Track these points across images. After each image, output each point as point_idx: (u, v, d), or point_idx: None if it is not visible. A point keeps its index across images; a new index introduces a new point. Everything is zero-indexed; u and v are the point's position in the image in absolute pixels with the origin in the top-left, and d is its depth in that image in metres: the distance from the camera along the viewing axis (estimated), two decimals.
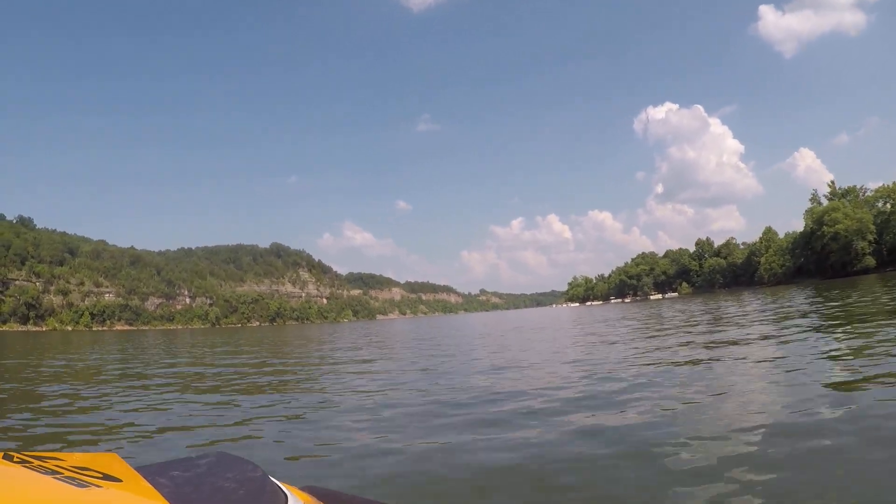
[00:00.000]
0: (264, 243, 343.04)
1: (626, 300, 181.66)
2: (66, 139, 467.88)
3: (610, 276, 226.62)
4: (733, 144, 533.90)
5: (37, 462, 1.11)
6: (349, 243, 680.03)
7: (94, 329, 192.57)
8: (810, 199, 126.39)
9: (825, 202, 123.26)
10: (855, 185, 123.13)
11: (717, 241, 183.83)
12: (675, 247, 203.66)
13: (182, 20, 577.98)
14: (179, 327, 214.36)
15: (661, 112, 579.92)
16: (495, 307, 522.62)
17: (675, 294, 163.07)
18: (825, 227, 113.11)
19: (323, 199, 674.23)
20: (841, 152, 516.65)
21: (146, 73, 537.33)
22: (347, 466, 5.91)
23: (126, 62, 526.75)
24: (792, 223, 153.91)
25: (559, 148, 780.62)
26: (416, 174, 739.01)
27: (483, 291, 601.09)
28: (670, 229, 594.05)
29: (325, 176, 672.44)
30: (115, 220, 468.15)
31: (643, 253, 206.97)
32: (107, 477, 1.08)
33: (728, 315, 29.14)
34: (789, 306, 30.57)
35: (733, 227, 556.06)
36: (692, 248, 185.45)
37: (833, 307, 25.78)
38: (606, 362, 13.13)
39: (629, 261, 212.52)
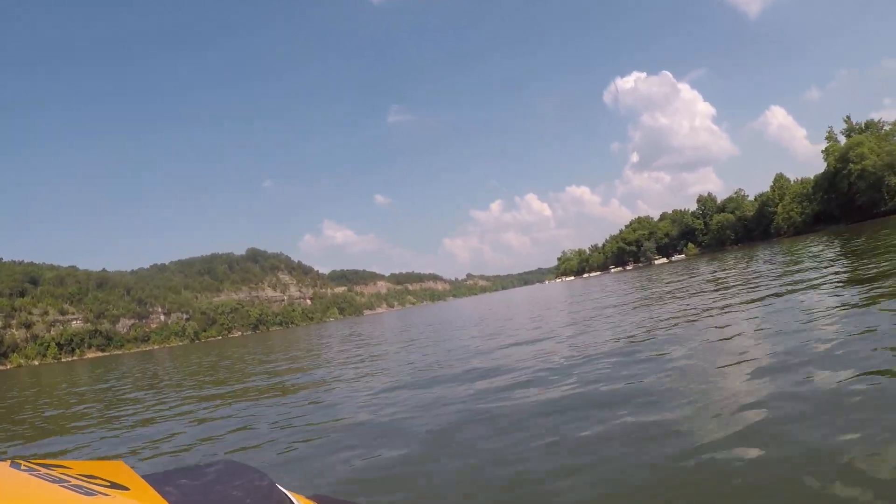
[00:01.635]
0: (241, 251, 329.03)
1: (628, 268, 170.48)
2: (31, 170, 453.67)
3: (605, 245, 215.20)
4: (704, 107, 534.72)
5: (44, 470, 1.09)
6: (331, 242, 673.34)
7: (63, 360, 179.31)
8: (826, 138, 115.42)
9: (843, 140, 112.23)
10: (873, 119, 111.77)
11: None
12: (655, 214, 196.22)
13: (137, 42, 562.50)
14: (156, 347, 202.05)
15: (629, 82, 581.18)
16: (483, 290, 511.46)
17: (682, 256, 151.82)
18: (851, 165, 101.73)
19: (300, 201, 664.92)
20: (812, 107, 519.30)
21: (107, 97, 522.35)
22: (356, 473, 5.93)
23: (89, 90, 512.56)
24: (768, 181, 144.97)
25: (532, 127, 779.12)
26: (391, 166, 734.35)
27: (469, 276, 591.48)
28: (649, 198, 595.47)
29: (300, 177, 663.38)
30: (88, 247, 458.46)
31: (639, 217, 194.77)
32: (114, 485, 1.07)
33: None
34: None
35: (711, 189, 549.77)
36: (677, 212, 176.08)
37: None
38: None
39: (624, 227, 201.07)
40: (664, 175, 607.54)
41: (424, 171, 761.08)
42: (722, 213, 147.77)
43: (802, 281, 16.72)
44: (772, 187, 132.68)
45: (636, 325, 14.44)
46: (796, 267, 23.39)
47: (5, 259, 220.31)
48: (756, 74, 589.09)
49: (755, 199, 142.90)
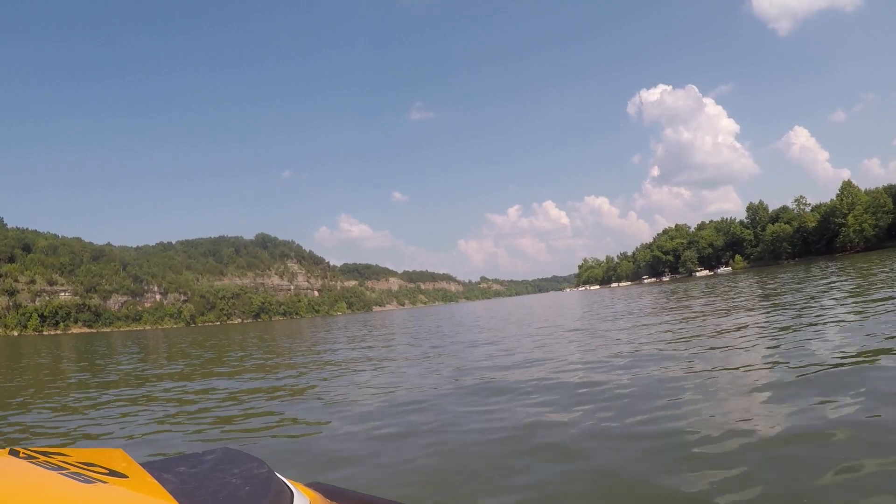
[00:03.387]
0: (250, 236, 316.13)
1: (664, 279, 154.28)
2: (51, 140, 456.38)
3: (636, 253, 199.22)
4: (728, 124, 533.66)
5: (42, 458, 1.09)
6: (346, 236, 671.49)
7: (45, 333, 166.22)
8: None
9: None
10: None
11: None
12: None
13: (164, 18, 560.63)
14: (148, 328, 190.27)
15: (654, 94, 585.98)
16: (497, 294, 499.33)
17: (728, 269, 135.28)
18: None
19: (318, 193, 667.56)
20: (837, 129, 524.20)
21: (134, 71, 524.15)
22: (355, 462, 5.95)
23: (114, 61, 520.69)
24: (789, 202, 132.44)
25: (554, 134, 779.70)
26: (411, 164, 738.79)
27: (483, 279, 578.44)
28: (667, 212, 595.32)
29: (320, 169, 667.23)
30: (100, 221, 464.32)
31: (676, 224, 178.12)
32: (112, 472, 1.07)
33: None
34: None
35: (730, 208, 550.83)
36: (723, 221, 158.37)
37: None
38: None
39: (657, 235, 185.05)
40: (684, 191, 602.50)
41: (443, 171, 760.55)
42: (776, 223, 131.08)
43: None
44: (839, 196, 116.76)
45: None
46: None
47: (10, 225, 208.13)
48: (782, 93, 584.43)
49: (813, 210, 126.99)
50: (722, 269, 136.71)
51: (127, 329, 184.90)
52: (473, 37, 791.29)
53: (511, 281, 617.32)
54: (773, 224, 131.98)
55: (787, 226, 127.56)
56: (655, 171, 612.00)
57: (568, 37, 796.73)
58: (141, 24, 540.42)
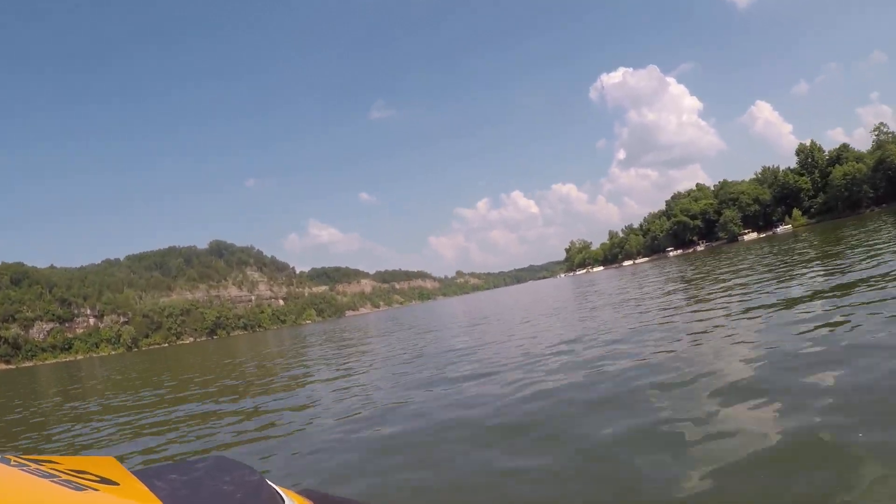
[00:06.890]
0: (204, 245, 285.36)
1: (699, 248, 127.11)
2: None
3: (643, 224, 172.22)
4: (692, 102, 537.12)
5: (34, 465, 1.07)
6: (315, 242, 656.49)
7: None
8: None
9: None
10: None
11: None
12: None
13: (108, 43, 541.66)
14: (80, 357, 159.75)
15: (616, 77, 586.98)
16: (475, 289, 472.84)
17: (788, 228, 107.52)
18: None
19: (284, 200, 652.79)
20: (800, 101, 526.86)
21: (87, 95, 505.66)
22: (343, 470, 6.10)
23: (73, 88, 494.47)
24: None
25: (517, 124, 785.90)
26: (376, 164, 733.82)
27: (460, 273, 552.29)
28: (636, 195, 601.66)
29: (284, 175, 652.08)
30: (52, 245, 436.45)
31: (698, 184, 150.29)
32: (104, 480, 1.05)
33: None
34: None
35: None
36: (767, 170, 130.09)
37: None
38: None
39: (669, 199, 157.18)
40: (651, 172, 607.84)
41: (408, 169, 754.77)
42: (846, 164, 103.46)
43: None
44: None
45: None
46: None
47: None
48: (744, 68, 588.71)
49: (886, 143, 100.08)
50: (782, 228, 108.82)
51: (54, 361, 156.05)
52: (431, 33, 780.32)
53: (488, 273, 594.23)
54: (839, 166, 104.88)
55: (860, 165, 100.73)
56: (621, 155, 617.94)
57: (527, 27, 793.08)
58: (93, 50, 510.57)
